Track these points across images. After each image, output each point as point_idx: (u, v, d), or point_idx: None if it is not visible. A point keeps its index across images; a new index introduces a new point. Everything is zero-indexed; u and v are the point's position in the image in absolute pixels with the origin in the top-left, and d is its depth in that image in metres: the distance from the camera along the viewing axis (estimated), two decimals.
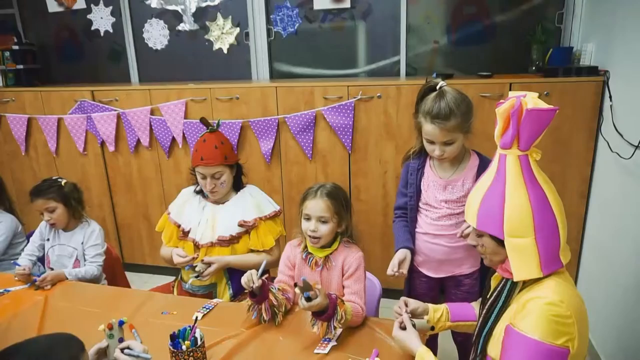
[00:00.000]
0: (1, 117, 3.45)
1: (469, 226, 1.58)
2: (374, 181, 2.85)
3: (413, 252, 1.80)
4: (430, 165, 1.80)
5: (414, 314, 1.48)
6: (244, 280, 1.61)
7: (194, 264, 1.96)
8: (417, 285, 1.90)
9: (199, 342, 1.40)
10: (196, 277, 1.96)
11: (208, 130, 2.05)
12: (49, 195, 2.17)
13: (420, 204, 1.82)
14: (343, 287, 1.71)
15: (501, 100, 1.19)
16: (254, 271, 1.62)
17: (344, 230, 1.74)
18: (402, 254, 1.75)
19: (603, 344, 2.28)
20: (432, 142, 1.67)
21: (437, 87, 1.66)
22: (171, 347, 1.37)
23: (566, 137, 2.46)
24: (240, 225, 2.03)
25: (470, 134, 1.69)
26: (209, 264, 1.95)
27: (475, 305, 1.53)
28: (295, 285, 1.47)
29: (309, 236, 1.70)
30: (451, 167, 1.75)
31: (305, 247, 1.76)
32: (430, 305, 1.52)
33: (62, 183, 2.24)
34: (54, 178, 2.28)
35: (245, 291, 1.67)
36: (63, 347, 1.13)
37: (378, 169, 2.82)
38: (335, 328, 1.49)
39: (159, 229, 2.20)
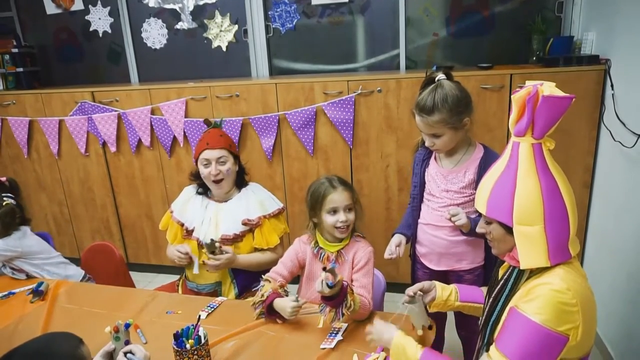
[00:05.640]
0: (2, 120, 3.46)
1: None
2: (375, 175, 2.85)
3: (408, 239, 1.89)
4: (435, 156, 1.83)
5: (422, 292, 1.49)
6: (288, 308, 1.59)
7: (215, 241, 1.91)
8: (420, 277, 1.93)
9: (203, 341, 1.40)
10: (212, 252, 1.89)
11: (212, 127, 2.14)
12: None
13: (425, 194, 1.86)
14: (352, 280, 1.73)
15: (518, 88, 1.18)
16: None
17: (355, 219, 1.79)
18: (398, 239, 1.84)
19: (608, 332, 2.28)
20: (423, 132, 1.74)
21: (436, 79, 1.67)
22: (175, 346, 1.38)
23: (568, 126, 2.44)
24: (244, 223, 2.03)
25: (460, 130, 1.69)
26: (224, 252, 1.92)
27: (485, 290, 1.52)
28: (324, 269, 1.45)
29: (338, 228, 1.71)
30: (454, 158, 1.77)
31: (316, 242, 1.79)
32: (437, 283, 1.52)
33: (4, 204, 2.19)
34: (3, 195, 2.23)
35: (253, 289, 1.67)
36: (60, 342, 1.18)
37: (380, 163, 2.81)
38: (343, 315, 1.50)
39: (163, 227, 2.20)
